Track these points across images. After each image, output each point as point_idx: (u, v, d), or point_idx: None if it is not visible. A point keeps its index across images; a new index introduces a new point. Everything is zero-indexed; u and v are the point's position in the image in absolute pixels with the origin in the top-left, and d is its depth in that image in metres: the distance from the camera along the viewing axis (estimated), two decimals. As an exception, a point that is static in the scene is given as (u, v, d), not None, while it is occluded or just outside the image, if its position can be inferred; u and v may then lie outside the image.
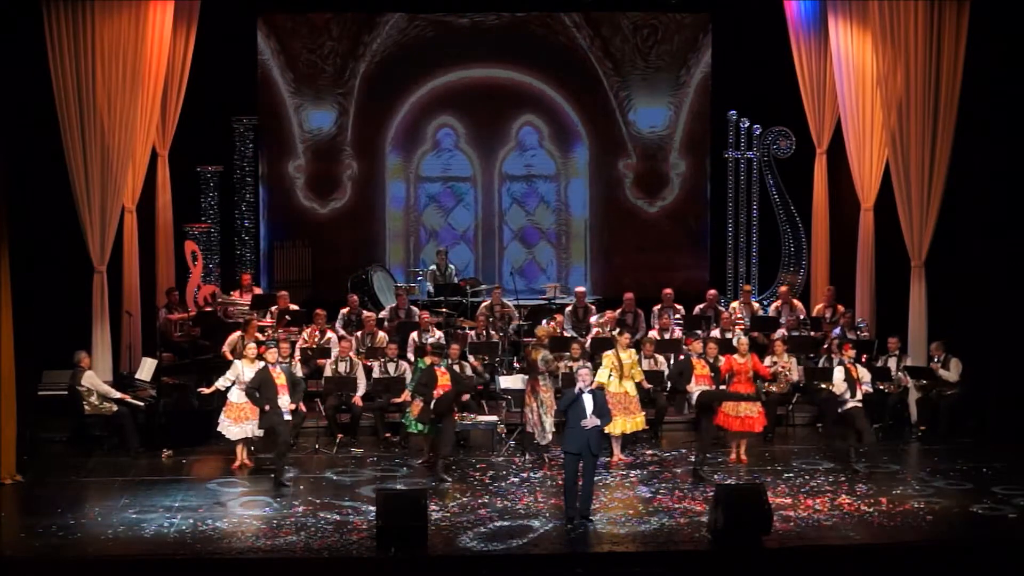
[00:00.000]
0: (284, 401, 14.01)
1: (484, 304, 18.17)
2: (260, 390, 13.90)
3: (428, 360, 14.69)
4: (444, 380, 14.41)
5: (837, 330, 17.20)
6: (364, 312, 17.64)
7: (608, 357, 15.01)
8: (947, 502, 13.30)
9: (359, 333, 17.02)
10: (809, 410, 16.73)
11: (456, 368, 14.95)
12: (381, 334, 16.83)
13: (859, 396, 14.55)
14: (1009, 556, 11.92)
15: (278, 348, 14.78)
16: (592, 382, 12.80)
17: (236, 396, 14.51)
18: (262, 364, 14.20)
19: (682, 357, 15.74)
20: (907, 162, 16.71)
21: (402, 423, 15.07)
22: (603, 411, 12.54)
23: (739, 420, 14.77)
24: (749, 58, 19.61)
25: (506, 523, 12.55)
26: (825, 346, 16.67)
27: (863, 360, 15.68)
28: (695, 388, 14.73)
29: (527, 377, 15.12)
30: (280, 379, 14.02)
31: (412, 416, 14.59)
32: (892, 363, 16.38)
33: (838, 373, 14.59)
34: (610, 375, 14.74)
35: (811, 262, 19.62)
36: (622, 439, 15.01)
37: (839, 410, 14.70)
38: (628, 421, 14.89)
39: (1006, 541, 12.27)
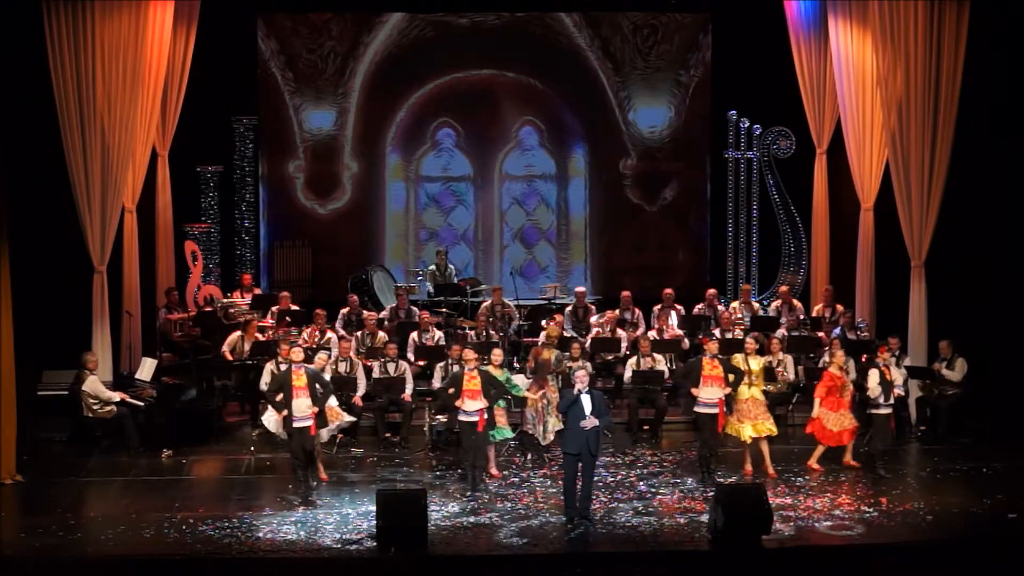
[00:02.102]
0: (304, 404, 13.26)
1: (485, 304, 18.16)
2: (279, 392, 13.38)
3: (468, 362, 13.98)
4: (471, 384, 13.77)
5: (837, 330, 17.19)
6: (364, 312, 17.64)
7: (737, 361, 14.44)
8: (947, 502, 13.31)
9: (359, 333, 17.01)
10: (809, 410, 16.69)
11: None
12: (381, 334, 16.82)
13: (891, 400, 14.51)
14: (1009, 556, 11.93)
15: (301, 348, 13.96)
16: (588, 382, 12.74)
17: None
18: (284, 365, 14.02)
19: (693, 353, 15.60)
20: (907, 162, 16.69)
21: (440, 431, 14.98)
22: (602, 411, 12.55)
23: (848, 433, 14.54)
24: (749, 58, 19.59)
25: (506, 523, 12.57)
26: (826, 347, 16.65)
27: (863, 359, 15.66)
28: (702, 390, 14.13)
29: (533, 377, 15.05)
30: (299, 381, 13.25)
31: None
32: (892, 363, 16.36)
33: (873, 376, 14.42)
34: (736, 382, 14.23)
35: (811, 262, 19.61)
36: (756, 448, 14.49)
37: (867, 411, 14.64)
38: (760, 425, 14.38)
39: (1006, 541, 12.27)
